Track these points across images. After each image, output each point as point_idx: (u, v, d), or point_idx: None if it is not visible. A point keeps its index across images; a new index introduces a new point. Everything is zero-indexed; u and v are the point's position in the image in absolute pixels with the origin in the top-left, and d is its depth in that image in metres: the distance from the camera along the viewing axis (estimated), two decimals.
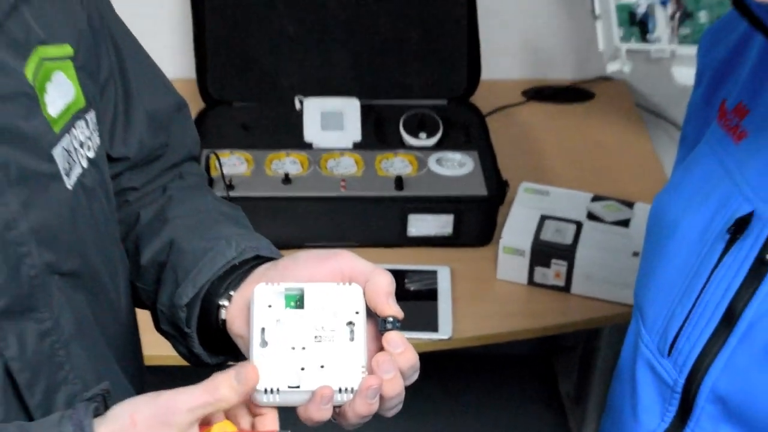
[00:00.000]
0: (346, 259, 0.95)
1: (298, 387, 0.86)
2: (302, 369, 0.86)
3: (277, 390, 0.86)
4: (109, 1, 1.08)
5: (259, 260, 1.01)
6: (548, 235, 1.72)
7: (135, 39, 1.12)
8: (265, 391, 0.86)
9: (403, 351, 0.89)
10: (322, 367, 0.87)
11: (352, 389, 0.86)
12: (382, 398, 0.88)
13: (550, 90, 2.23)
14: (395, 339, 0.89)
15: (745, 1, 0.88)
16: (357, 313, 0.90)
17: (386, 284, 0.91)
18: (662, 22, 1.79)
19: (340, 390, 0.86)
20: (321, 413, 0.87)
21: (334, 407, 0.87)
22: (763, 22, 0.87)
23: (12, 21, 0.89)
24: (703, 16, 1.80)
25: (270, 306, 0.90)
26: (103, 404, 0.85)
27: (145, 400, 0.84)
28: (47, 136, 0.91)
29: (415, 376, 0.91)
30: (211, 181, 1.78)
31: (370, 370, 0.87)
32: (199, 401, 0.82)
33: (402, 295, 1.68)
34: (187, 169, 1.21)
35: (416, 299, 1.70)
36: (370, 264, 0.94)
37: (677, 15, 1.79)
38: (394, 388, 0.88)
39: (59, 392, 0.94)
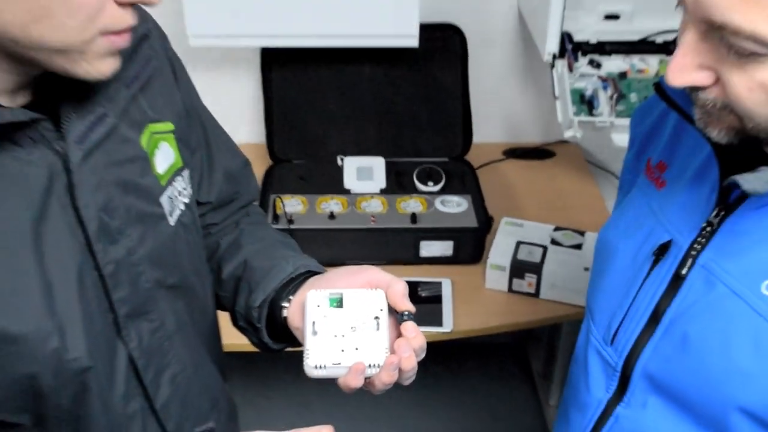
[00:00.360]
0: (372, 272, 0.96)
1: (339, 363, 0.88)
2: (342, 350, 0.88)
3: (324, 366, 0.88)
4: (195, 90, 1.08)
5: (309, 274, 1.03)
6: (522, 255, 1.72)
7: (212, 116, 1.12)
8: (316, 366, 0.87)
9: (415, 336, 0.91)
10: (356, 349, 0.89)
11: (378, 365, 0.88)
12: (400, 371, 0.90)
13: (523, 150, 2.22)
14: (410, 327, 0.91)
15: (663, 87, 0.89)
16: (381, 310, 0.91)
17: (402, 288, 0.93)
18: (604, 101, 1.79)
19: (369, 366, 0.88)
20: (356, 382, 0.88)
21: (365, 378, 0.89)
22: (676, 103, 0.87)
23: (133, 107, 0.90)
24: (633, 97, 1.79)
25: (318, 306, 0.92)
26: None
27: None
28: (156, 188, 0.92)
29: (423, 355, 0.93)
30: (276, 217, 1.79)
31: (392, 351, 0.89)
32: None
33: (415, 299, 1.69)
34: (252, 209, 1.21)
35: (426, 303, 1.69)
36: (390, 275, 0.96)
37: (614, 96, 1.79)
38: (410, 363, 0.90)
39: (165, 372, 0.95)
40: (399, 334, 0.92)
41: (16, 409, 0.81)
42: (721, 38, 0.69)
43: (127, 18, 0.75)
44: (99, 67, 0.75)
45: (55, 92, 0.77)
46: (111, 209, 0.84)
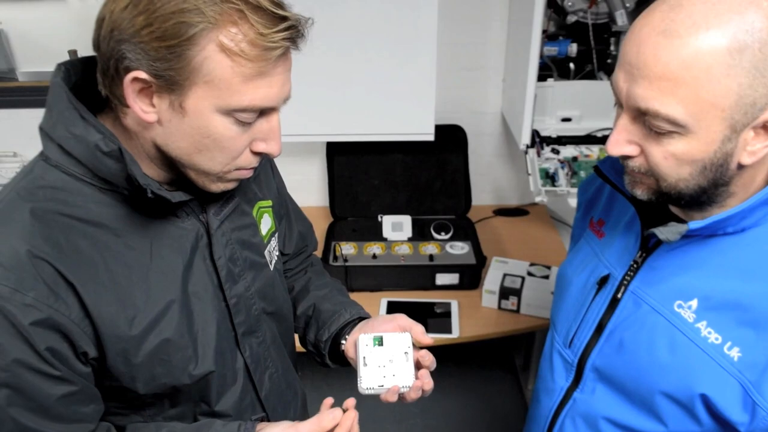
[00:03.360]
0: (401, 319, 0.94)
1: (382, 386, 0.88)
2: (383, 377, 0.89)
3: (372, 388, 0.88)
4: (282, 178, 1.06)
5: (360, 319, 1.01)
6: (507, 283, 1.69)
7: (290, 195, 1.10)
8: (367, 388, 0.87)
9: (430, 359, 0.91)
10: (393, 375, 0.89)
11: (408, 386, 0.88)
12: (423, 390, 0.90)
13: (506, 210, 2.20)
14: (425, 356, 0.91)
15: (600, 168, 0.89)
16: (408, 347, 0.92)
17: (421, 330, 0.92)
18: (562, 176, 1.78)
19: (402, 387, 0.88)
20: (393, 398, 0.88)
21: (399, 395, 0.89)
22: (609, 179, 0.87)
23: (248, 189, 0.91)
24: (582, 173, 1.79)
25: (366, 345, 0.92)
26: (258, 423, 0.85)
27: (282, 425, 0.82)
28: (262, 245, 0.92)
29: (434, 365, 0.93)
30: (336, 258, 1.77)
31: (416, 376, 0.89)
32: (313, 428, 0.80)
33: (432, 314, 1.70)
34: (314, 259, 1.18)
35: (440, 317, 1.67)
36: (413, 321, 0.94)
37: (569, 173, 1.79)
38: (430, 386, 0.90)
39: (266, 373, 0.94)
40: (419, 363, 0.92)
41: (157, 399, 0.82)
42: (644, 121, 0.69)
43: (254, 161, 0.76)
44: (225, 187, 0.77)
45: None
46: (234, 260, 0.85)
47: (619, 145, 0.72)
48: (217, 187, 0.76)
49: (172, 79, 0.65)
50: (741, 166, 0.70)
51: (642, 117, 0.69)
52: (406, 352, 0.91)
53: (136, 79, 0.65)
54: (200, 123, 0.68)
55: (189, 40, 0.63)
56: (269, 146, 0.74)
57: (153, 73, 0.64)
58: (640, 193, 0.76)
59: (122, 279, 0.73)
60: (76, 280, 0.70)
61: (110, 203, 0.73)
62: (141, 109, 0.68)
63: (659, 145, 0.69)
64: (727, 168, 0.70)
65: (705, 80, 0.63)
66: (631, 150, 0.72)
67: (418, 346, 0.94)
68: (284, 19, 0.66)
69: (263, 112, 0.71)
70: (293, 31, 0.66)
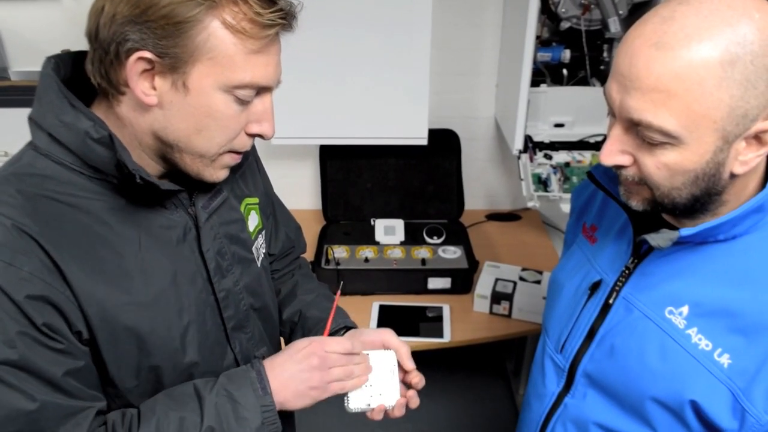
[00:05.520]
0: (387, 334, 0.95)
1: (369, 405, 0.88)
2: (370, 396, 0.90)
3: (359, 407, 0.88)
4: (268, 177, 1.06)
5: (346, 328, 1.01)
6: (499, 288, 1.69)
7: (277, 195, 1.10)
8: (354, 408, 0.88)
9: (419, 379, 0.92)
10: (380, 394, 0.90)
11: (392, 405, 0.89)
12: (408, 407, 0.91)
13: (498, 214, 2.20)
14: (414, 377, 0.93)
15: (594, 174, 0.89)
16: (393, 365, 0.91)
17: (407, 351, 0.93)
18: (554, 182, 1.79)
19: (388, 406, 0.89)
20: (379, 416, 0.89)
21: (385, 411, 0.89)
22: (602, 185, 0.87)
23: (236, 186, 0.92)
24: (574, 179, 1.79)
25: None
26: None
27: (305, 339, 0.85)
28: (249, 241, 0.92)
29: (422, 384, 0.93)
30: (328, 261, 1.76)
31: (402, 393, 0.90)
32: (339, 347, 0.84)
33: (424, 319, 1.69)
34: (302, 261, 1.17)
35: (432, 321, 1.67)
36: (399, 340, 0.94)
37: (561, 179, 1.79)
38: (415, 403, 0.92)
39: None
40: (405, 380, 0.93)
41: (143, 394, 0.80)
42: (637, 132, 0.69)
43: (248, 144, 0.78)
44: (218, 174, 0.78)
45: (191, 178, 0.79)
46: (222, 254, 0.85)
47: (612, 156, 0.73)
48: (211, 174, 0.77)
49: (177, 56, 0.67)
50: (733, 176, 0.71)
51: (635, 127, 0.69)
52: (391, 371, 0.91)
53: (140, 59, 0.67)
54: (202, 101, 0.70)
55: (194, 17, 0.66)
56: (263, 127, 0.76)
57: (158, 52, 0.66)
58: (636, 203, 0.76)
59: (111, 265, 0.73)
60: (61, 260, 0.69)
61: (100, 192, 0.73)
62: (143, 91, 0.69)
63: (652, 156, 0.70)
64: (720, 177, 0.70)
65: (697, 92, 0.63)
66: (624, 160, 0.73)
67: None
68: (277, 1, 0.70)
69: (259, 91, 0.74)
70: (286, 11, 0.70)
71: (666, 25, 0.64)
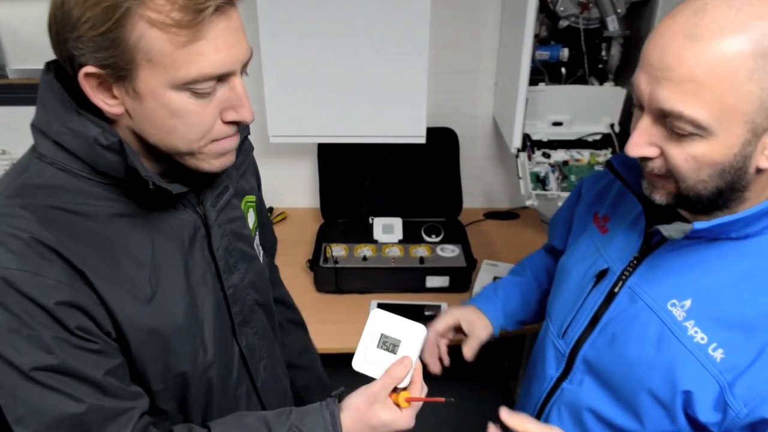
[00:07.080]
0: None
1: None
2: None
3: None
4: (259, 177, 1.04)
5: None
6: None
7: (264, 202, 1.07)
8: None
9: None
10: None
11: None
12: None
13: (497, 213, 2.20)
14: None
15: (612, 164, 0.89)
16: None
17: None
18: (552, 180, 1.79)
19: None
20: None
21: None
22: (621, 176, 0.88)
23: (238, 183, 0.91)
24: (573, 178, 1.79)
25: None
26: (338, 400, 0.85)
27: (359, 392, 0.83)
28: (251, 237, 0.92)
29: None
30: (326, 260, 1.75)
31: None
32: (387, 383, 0.82)
33: (422, 318, 1.68)
34: (289, 301, 1.21)
35: (430, 320, 1.64)
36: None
37: (560, 177, 1.79)
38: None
39: (261, 363, 0.95)
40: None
41: (169, 398, 0.80)
42: (666, 123, 0.69)
43: (230, 130, 0.73)
44: (215, 163, 0.75)
45: (194, 175, 0.78)
46: (230, 250, 0.85)
47: (639, 147, 0.73)
48: (209, 165, 0.74)
49: (117, 65, 0.64)
50: (759, 171, 0.71)
51: (664, 119, 0.70)
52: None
53: (88, 75, 0.65)
54: (158, 104, 0.66)
55: (119, 22, 0.62)
56: (239, 113, 0.71)
57: (99, 64, 0.64)
58: (659, 197, 0.76)
59: (128, 269, 0.73)
60: (86, 267, 0.69)
61: (109, 197, 0.73)
62: (104, 102, 0.67)
63: (680, 147, 0.70)
64: (746, 171, 0.70)
65: (729, 84, 0.64)
66: (651, 151, 0.73)
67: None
68: None
69: (221, 78, 0.68)
70: None
71: (698, 17, 0.65)
